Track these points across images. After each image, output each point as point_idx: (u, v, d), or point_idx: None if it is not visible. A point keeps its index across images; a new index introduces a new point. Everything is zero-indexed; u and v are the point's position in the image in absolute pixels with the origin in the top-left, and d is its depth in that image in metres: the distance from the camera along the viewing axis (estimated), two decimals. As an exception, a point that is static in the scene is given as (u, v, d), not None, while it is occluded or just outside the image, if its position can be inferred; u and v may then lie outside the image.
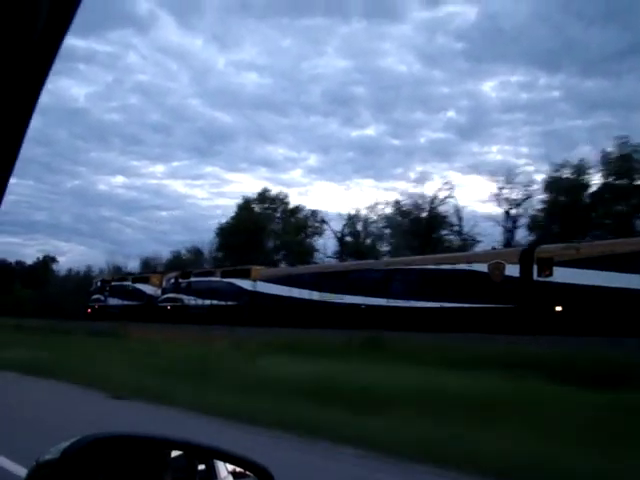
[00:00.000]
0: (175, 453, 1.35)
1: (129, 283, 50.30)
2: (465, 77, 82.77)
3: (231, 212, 59.37)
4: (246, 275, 37.45)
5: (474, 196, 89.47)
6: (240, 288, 37.49)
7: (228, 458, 1.43)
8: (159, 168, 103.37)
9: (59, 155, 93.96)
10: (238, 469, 1.44)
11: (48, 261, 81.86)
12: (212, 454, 1.43)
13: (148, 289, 47.57)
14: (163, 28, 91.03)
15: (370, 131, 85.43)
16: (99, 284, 54.52)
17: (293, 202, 59.59)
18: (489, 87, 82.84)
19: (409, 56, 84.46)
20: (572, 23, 68.83)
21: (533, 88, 70.25)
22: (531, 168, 78.66)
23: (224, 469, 1.43)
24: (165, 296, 44.44)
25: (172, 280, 44.16)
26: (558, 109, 69.46)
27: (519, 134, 74.97)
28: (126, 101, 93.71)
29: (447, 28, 78.68)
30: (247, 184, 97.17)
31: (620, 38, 65.56)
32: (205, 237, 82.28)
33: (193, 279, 42.34)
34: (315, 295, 32.09)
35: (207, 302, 39.88)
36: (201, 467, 1.41)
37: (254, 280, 37.02)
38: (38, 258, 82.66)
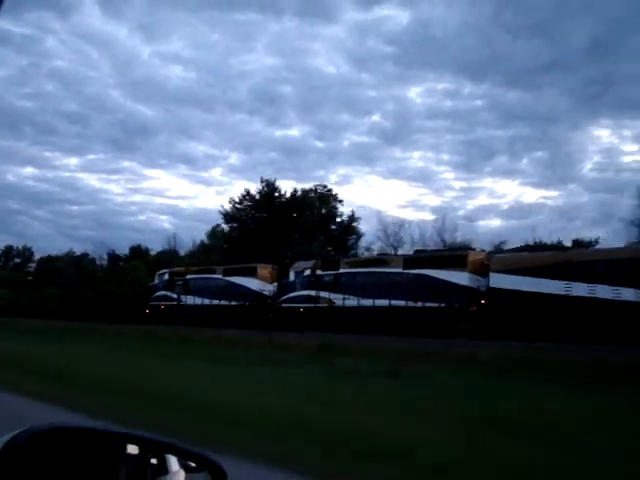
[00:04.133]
0: (129, 447, 1.33)
1: (219, 277, 37.77)
2: (392, 82, 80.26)
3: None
4: (456, 264, 25.61)
5: (393, 201, 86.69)
6: (445, 282, 25.63)
7: (181, 453, 1.43)
8: (73, 160, 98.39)
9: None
10: (191, 464, 1.44)
11: None
12: (165, 448, 1.43)
13: (254, 284, 35.23)
14: (86, 13, 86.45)
15: (294, 132, 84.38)
16: (166, 277, 41.74)
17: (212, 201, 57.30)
18: (415, 93, 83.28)
19: (339, 57, 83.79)
20: (500, 35, 68.35)
21: (458, 96, 70.01)
22: (451, 175, 77.57)
23: (176, 464, 1.44)
24: (292, 294, 32.12)
25: (306, 272, 31.90)
26: (480, 118, 69.35)
27: (441, 141, 75.50)
28: (41, 88, 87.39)
29: (379, 31, 77.43)
30: (165, 181, 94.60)
31: (544, 52, 66.56)
32: (117, 234, 74.91)
33: (344, 270, 30.27)
34: (629, 294, 20.41)
35: (379, 302, 27.78)
36: (153, 461, 1.41)
37: (474, 271, 25.24)
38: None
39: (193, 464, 1.43)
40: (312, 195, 52.43)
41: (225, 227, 55.01)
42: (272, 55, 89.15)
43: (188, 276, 40.41)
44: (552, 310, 21.87)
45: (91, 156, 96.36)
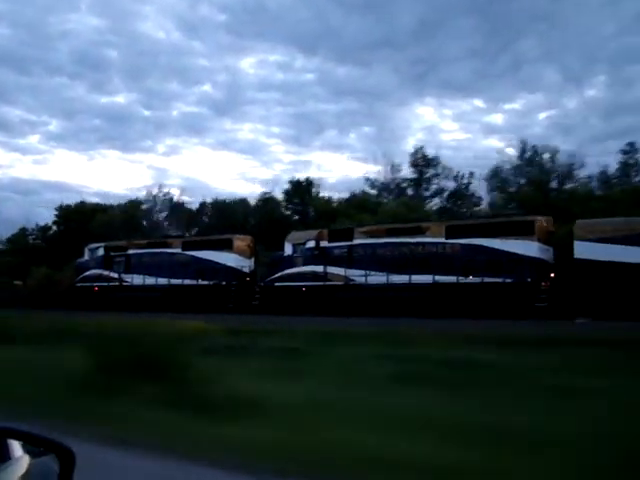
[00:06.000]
0: None
1: (178, 251, 30.76)
2: (225, 51, 79.72)
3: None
4: (522, 232, 21.46)
5: (223, 174, 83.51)
6: (509, 254, 21.45)
7: (25, 437, 1.34)
8: None
9: None
10: (36, 449, 1.35)
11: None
12: (6, 433, 1.33)
13: (230, 259, 28.86)
14: None
15: (120, 99, 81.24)
16: (101, 252, 33.74)
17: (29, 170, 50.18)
18: (248, 64, 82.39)
19: (169, 23, 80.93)
20: (333, 9, 71.20)
21: (289, 69, 72.45)
22: (281, 148, 77.53)
23: (19, 448, 1.35)
24: (290, 271, 26.34)
25: (309, 244, 26.16)
26: (311, 92, 71.25)
27: (272, 114, 76.28)
28: None
29: (215, -3, 73.86)
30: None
31: (375, 29, 69.74)
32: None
33: (361, 241, 25.05)
34: None
35: (418, 279, 22.99)
36: None
37: (542, 240, 21.31)
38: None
39: (39, 448, 1.34)
40: None
41: None
42: (97, 16, 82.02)
43: (131, 251, 32.79)
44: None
45: None
